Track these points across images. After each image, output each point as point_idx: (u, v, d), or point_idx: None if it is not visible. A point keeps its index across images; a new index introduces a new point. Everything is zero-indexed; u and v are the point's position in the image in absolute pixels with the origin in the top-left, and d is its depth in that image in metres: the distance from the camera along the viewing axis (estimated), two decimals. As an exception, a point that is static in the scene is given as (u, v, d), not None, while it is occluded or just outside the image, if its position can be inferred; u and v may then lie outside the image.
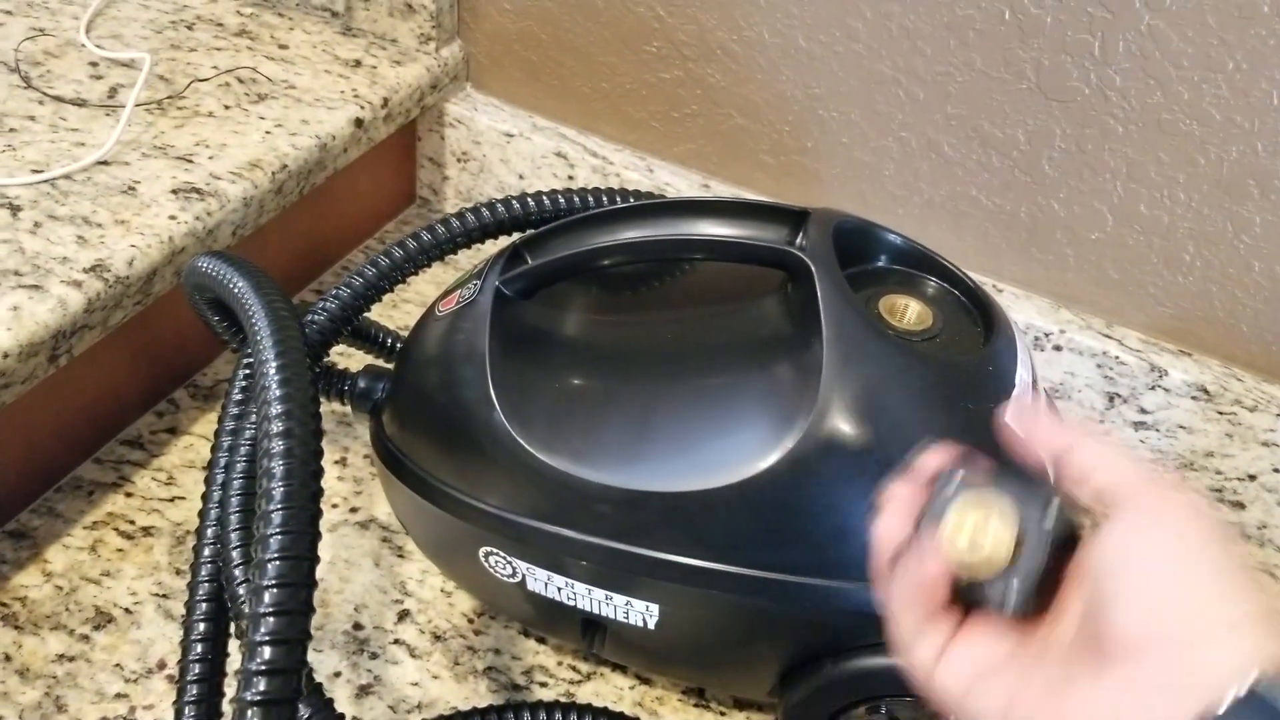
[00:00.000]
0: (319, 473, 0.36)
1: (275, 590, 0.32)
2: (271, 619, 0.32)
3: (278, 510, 0.33)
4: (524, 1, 0.74)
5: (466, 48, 0.80)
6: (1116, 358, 0.66)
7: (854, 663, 0.46)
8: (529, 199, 0.54)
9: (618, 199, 0.55)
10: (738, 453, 0.44)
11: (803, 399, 0.43)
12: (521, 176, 0.80)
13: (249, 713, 0.31)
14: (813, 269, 0.45)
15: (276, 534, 0.33)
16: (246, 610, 0.33)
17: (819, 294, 0.44)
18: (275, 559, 0.33)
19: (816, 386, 0.43)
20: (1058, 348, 0.68)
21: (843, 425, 0.42)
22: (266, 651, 0.32)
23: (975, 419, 0.44)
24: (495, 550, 0.49)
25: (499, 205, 0.54)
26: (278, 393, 0.37)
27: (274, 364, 0.38)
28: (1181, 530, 0.31)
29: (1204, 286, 0.64)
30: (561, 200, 0.54)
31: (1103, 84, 0.60)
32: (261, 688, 0.31)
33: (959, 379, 0.45)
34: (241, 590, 0.42)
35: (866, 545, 0.43)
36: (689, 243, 0.48)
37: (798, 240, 0.46)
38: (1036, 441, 0.36)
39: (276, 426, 0.36)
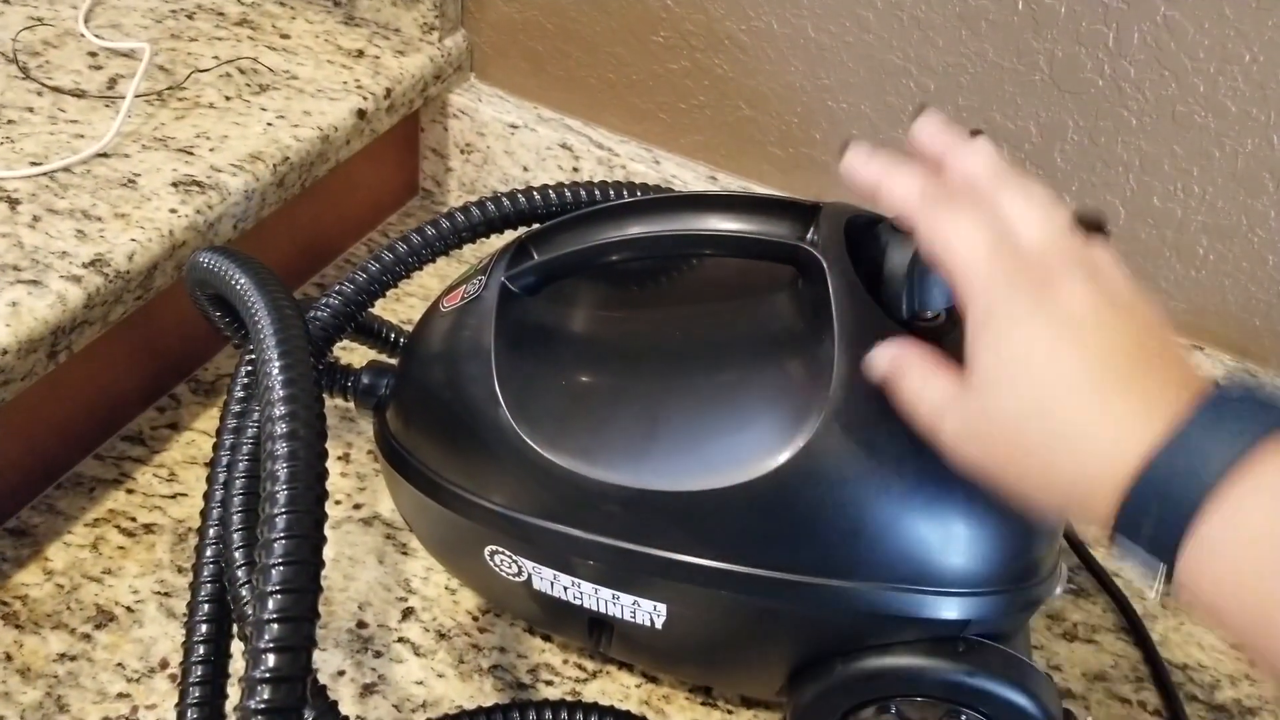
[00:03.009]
0: (323, 475, 0.35)
1: (279, 596, 0.32)
2: (275, 625, 0.31)
3: (281, 514, 0.33)
4: (528, -9, 0.74)
5: (470, 37, 0.79)
6: (1128, 352, 0.66)
7: (864, 663, 0.45)
8: (535, 193, 0.54)
9: (625, 193, 0.54)
10: (748, 451, 0.43)
11: (814, 397, 0.42)
12: (526, 168, 0.79)
13: (253, 721, 0.31)
14: (824, 265, 0.44)
15: (280, 539, 0.32)
16: (250, 616, 0.32)
17: (830, 290, 0.43)
18: (279, 564, 0.32)
19: (828, 384, 0.42)
20: (1068, 342, 0.67)
21: (856, 423, 0.42)
22: (270, 659, 0.31)
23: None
24: (501, 549, 0.48)
25: (505, 199, 0.53)
26: (281, 393, 0.36)
27: (277, 363, 0.37)
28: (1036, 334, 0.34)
29: (1217, 280, 0.63)
30: (568, 194, 0.54)
31: (1117, 76, 0.59)
32: (265, 696, 0.31)
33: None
34: (244, 591, 0.41)
35: (877, 545, 0.43)
36: (698, 238, 0.47)
37: (809, 235, 0.46)
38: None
39: (280, 428, 0.35)
